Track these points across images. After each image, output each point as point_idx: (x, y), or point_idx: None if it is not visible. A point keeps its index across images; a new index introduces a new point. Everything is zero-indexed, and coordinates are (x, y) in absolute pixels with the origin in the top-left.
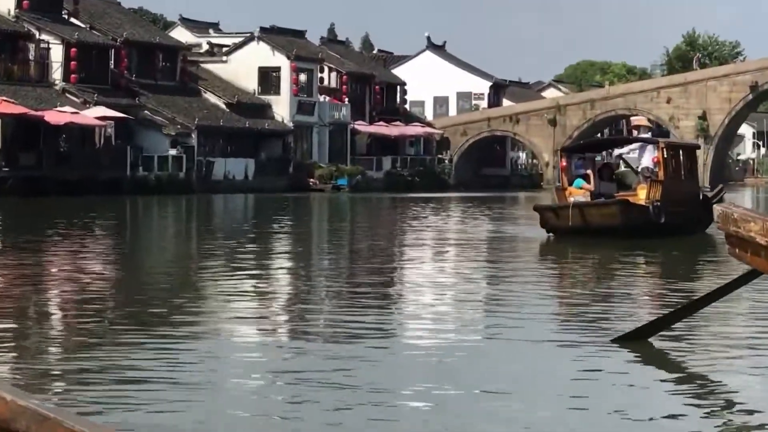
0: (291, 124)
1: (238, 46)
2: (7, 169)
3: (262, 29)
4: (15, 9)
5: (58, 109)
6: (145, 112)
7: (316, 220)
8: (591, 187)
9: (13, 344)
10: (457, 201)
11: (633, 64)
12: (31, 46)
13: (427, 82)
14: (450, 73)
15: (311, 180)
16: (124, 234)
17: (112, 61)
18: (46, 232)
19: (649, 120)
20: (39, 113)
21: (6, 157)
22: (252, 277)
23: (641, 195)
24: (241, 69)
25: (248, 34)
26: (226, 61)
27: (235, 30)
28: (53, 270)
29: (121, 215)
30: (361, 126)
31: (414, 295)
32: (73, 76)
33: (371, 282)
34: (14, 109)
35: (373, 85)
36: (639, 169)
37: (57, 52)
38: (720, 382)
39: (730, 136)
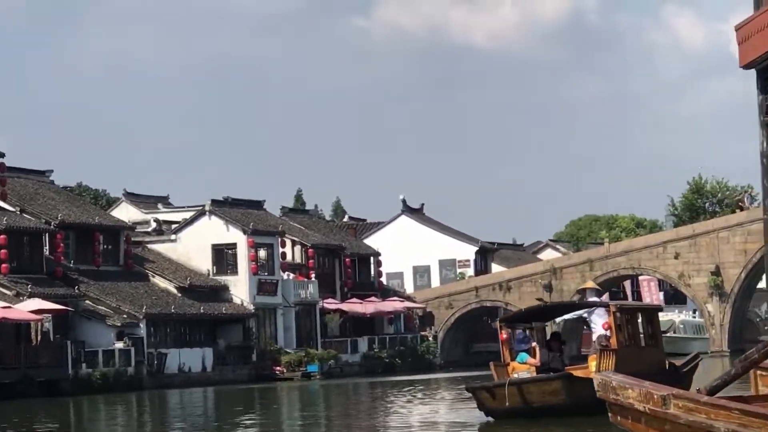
0: (252, 307)
1: (188, 222)
2: None
3: (214, 202)
4: None
5: None
6: (86, 302)
7: (284, 414)
8: (536, 361)
9: None
10: (444, 382)
11: (643, 216)
12: None
13: (405, 250)
14: (430, 239)
15: (277, 368)
16: None
17: (47, 247)
18: None
19: (659, 279)
20: None
21: None
22: None
23: (592, 367)
24: (192, 248)
25: (199, 208)
26: (175, 240)
27: (189, 204)
28: None
29: (64, 420)
30: (332, 304)
31: None
32: (3, 265)
33: None
34: None
35: (344, 258)
36: (594, 338)
37: None
38: None
39: (749, 292)
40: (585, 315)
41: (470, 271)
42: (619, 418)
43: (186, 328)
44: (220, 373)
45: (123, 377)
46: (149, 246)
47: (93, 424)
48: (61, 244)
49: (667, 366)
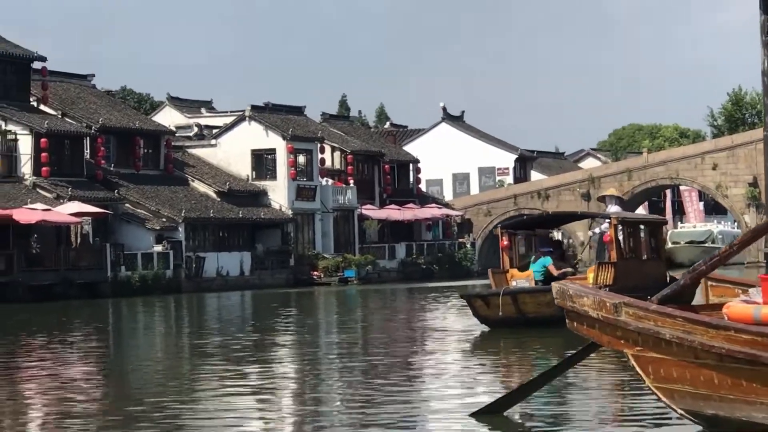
0: (290, 212)
1: (228, 128)
2: None
3: (254, 108)
4: None
5: (29, 206)
6: (126, 205)
7: (322, 317)
8: (558, 271)
9: None
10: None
11: (686, 126)
12: None
13: (445, 157)
14: (470, 147)
15: (315, 273)
16: (106, 341)
17: (88, 151)
18: (19, 342)
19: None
20: (7, 212)
21: None
22: (256, 389)
23: (590, 279)
24: (232, 153)
25: (240, 113)
26: (215, 145)
27: (232, 108)
28: (30, 384)
29: (103, 320)
30: (370, 210)
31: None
32: (44, 169)
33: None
34: None
35: (383, 164)
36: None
37: (25, 144)
38: None
39: None
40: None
41: (509, 179)
42: (575, 324)
43: (225, 232)
44: (258, 278)
45: (161, 280)
46: (189, 151)
47: (131, 324)
48: (102, 148)
49: (668, 280)
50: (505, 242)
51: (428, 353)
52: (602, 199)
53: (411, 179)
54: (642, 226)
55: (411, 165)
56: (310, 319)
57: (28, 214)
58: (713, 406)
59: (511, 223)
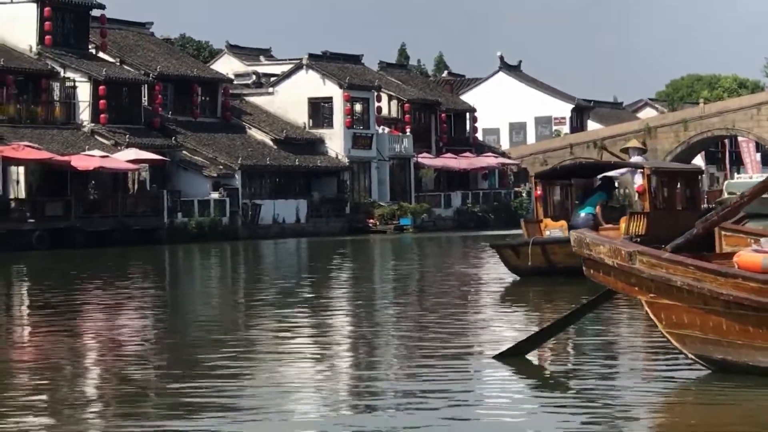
0: (346, 160)
1: (285, 76)
2: (32, 220)
3: (312, 56)
4: (37, 45)
5: (87, 153)
6: (183, 152)
7: (378, 265)
8: (602, 220)
9: (48, 411)
10: None
11: (745, 76)
12: (56, 85)
13: (501, 107)
14: (527, 96)
15: (371, 221)
16: (164, 287)
17: (146, 98)
18: (77, 287)
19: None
20: (65, 158)
21: (31, 207)
22: (311, 337)
23: (622, 229)
24: (289, 101)
25: (297, 61)
26: (272, 93)
27: (290, 56)
28: (89, 330)
29: (160, 266)
30: (426, 159)
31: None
32: (102, 116)
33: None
34: (38, 154)
35: (439, 113)
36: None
37: (84, 91)
38: (588, 388)
39: None
40: (628, 174)
41: (566, 129)
42: (592, 271)
43: (281, 179)
44: (313, 225)
45: (218, 227)
46: (247, 99)
47: (188, 270)
48: (160, 96)
49: None
50: (539, 191)
51: (456, 300)
52: (625, 150)
53: (467, 128)
54: (677, 176)
55: (468, 114)
56: (359, 267)
57: (86, 160)
58: (722, 351)
59: (546, 172)
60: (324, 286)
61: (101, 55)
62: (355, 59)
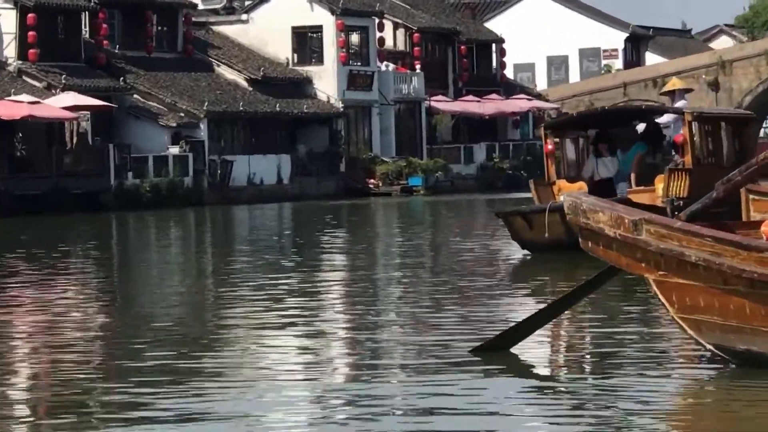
0: (340, 105)
1: (262, 0)
2: None
3: None
4: None
5: (12, 98)
6: (135, 96)
7: (377, 238)
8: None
9: None
10: None
11: None
12: None
13: (537, 36)
14: (569, 23)
15: (371, 181)
16: (108, 266)
17: (86, 29)
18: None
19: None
20: None
21: None
22: (284, 332)
23: (659, 190)
24: (268, 30)
25: None
26: (246, 21)
27: None
28: (12, 323)
29: (104, 239)
30: (442, 103)
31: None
32: (31, 51)
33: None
34: None
35: (458, 45)
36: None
37: (8, 20)
38: (582, 388)
39: None
40: (671, 123)
41: (618, 63)
42: (590, 244)
43: (258, 130)
44: (299, 186)
45: (178, 190)
46: (215, 28)
47: (139, 244)
48: (104, 25)
49: None
50: (550, 146)
51: (452, 283)
52: (670, 94)
53: (494, 64)
54: (724, 124)
55: (494, 46)
56: (353, 241)
57: (11, 107)
58: (745, 340)
59: (557, 121)
60: (307, 268)
61: None
62: None
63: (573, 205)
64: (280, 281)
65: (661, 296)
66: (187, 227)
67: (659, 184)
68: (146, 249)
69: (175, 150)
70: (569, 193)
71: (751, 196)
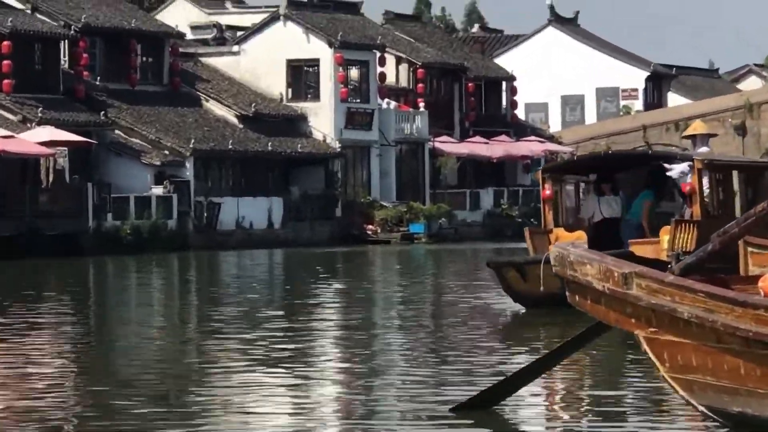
0: (338, 145)
1: (255, 30)
2: None
3: (292, 3)
4: None
5: None
6: (116, 132)
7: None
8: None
9: None
10: None
11: None
12: None
13: (551, 74)
14: (585, 60)
15: (369, 227)
16: (85, 316)
17: (66, 59)
18: None
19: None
20: None
21: None
22: (261, 387)
23: (664, 243)
24: (260, 63)
25: (273, 10)
26: (237, 53)
27: (265, 2)
28: None
29: (80, 285)
30: (447, 144)
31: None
32: (5, 82)
33: None
34: None
35: (466, 82)
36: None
37: None
38: None
39: None
40: (683, 173)
41: (638, 104)
42: (577, 298)
43: (248, 170)
44: (292, 231)
45: (161, 233)
46: (204, 60)
47: (118, 291)
48: (85, 55)
49: None
50: (548, 191)
51: (439, 337)
52: (692, 138)
53: (504, 102)
54: (736, 172)
55: (504, 83)
56: (347, 291)
57: None
58: (740, 402)
59: (556, 165)
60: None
61: None
62: (351, 7)
63: (560, 256)
64: (263, 332)
65: (651, 354)
66: (170, 274)
67: (665, 236)
68: (124, 297)
69: (158, 190)
70: (557, 244)
71: (749, 249)
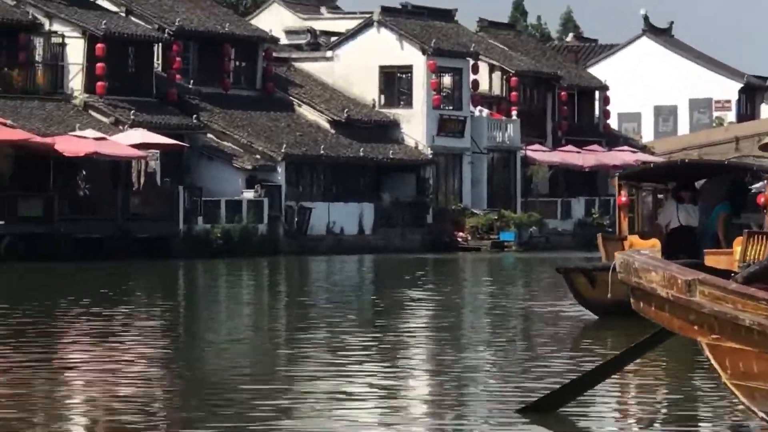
0: (429, 152)
1: (349, 36)
2: (1, 222)
3: (386, 10)
4: None
5: (77, 133)
6: (208, 136)
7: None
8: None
9: None
10: None
11: None
12: (38, 42)
13: (644, 84)
14: (679, 71)
15: (459, 234)
16: (174, 320)
17: (159, 62)
18: (58, 315)
19: None
20: (48, 140)
21: (0, 204)
22: (356, 391)
23: (737, 254)
24: (354, 70)
25: (367, 16)
26: (331, 58)
27: (360, 8)
28: (71, 379)
29: (170, 288)
30: (539, 153)
31: None
32: (99, 84)
33: None
34: (12, 134)
35: (559, 91)
36: None
37: (76, 50)
38: None
39: None
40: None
41: (731, 116)
42: (641, 305)
43: (339, 175)
44: (382, 238)
45: (252, 237)
46: (297, 65)
47: (209, 296)
48: (178, 58)
49: None
50: (623, 198)
51: (509, 342)
52: (765, 147)
53: (596, 112)
54: None
55: (597, 93)
56: (436, 297)
57: (75, 143)
58: None
59: (632, 171)
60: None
61: (101, 2)
62: (446, 15)
63: (625, 263)
64: (350, 337)
65: (713, 361)
66: (260, 278)
67: (737, 247)
68: (214, 301)
69: (249, 194)
70: (624, 251)
71: None
